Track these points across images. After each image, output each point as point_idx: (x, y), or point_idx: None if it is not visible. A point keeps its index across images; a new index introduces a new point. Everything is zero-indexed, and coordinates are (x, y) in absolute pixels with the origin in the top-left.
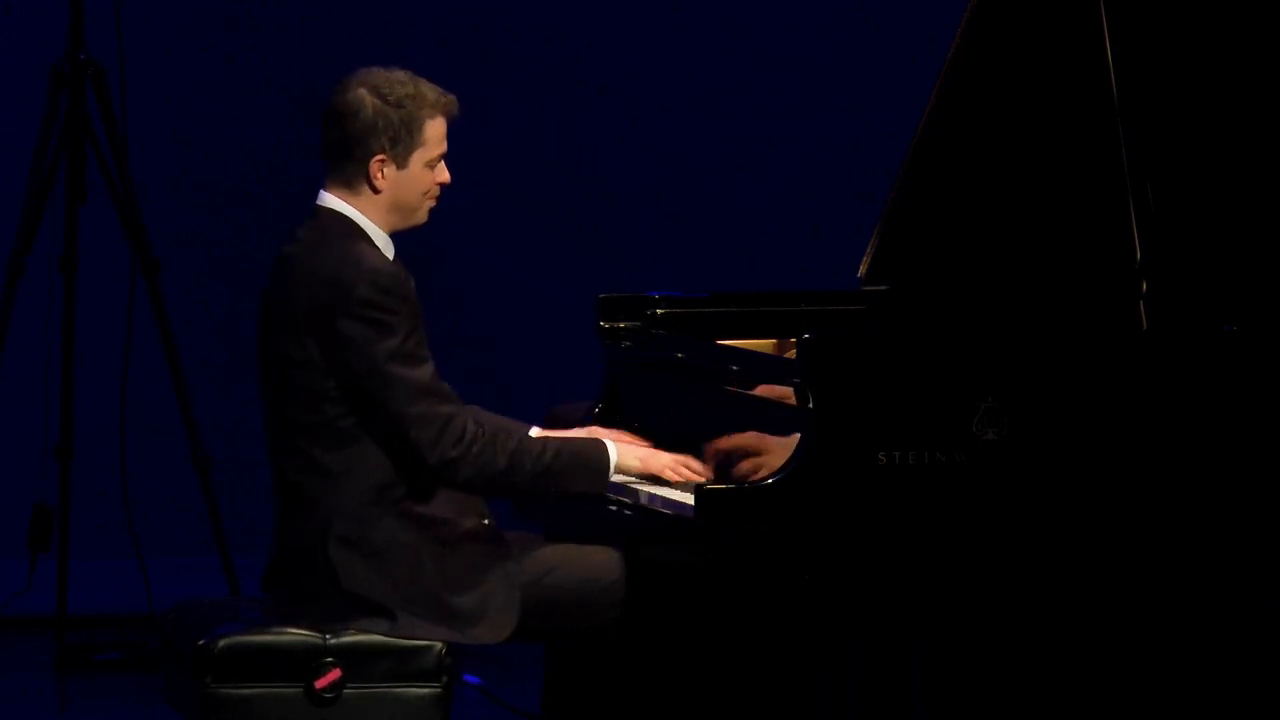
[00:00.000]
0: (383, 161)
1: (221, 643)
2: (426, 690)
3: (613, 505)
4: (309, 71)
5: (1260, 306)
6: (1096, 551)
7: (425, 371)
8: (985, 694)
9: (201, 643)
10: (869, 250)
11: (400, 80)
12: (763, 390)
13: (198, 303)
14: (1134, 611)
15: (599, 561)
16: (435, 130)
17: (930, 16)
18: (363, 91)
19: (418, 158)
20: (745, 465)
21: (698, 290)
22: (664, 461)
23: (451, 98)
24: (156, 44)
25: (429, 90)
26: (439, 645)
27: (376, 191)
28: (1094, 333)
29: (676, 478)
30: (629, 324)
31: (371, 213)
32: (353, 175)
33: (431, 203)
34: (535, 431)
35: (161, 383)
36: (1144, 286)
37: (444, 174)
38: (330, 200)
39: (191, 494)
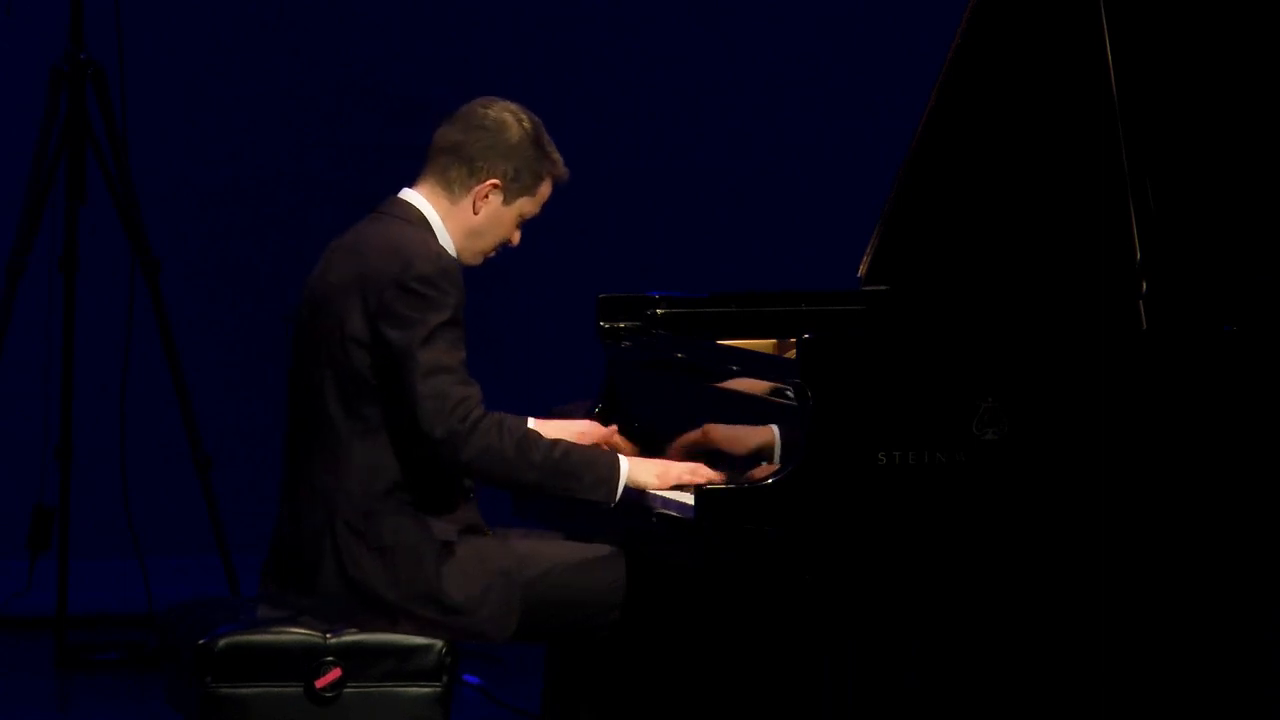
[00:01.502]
0: (496, 187)
1: (221, 643)
2: (426, 690)
3: (618, 507)
4: (309, 71)
5: (1260, 306)
6: (1097, 551)
7: (454, 357)
8: (985, 694)
9: (201, 643)
10: (869, 250)
11: (542, 126)
12: (762, 389)
13: (198, 303)
14: (1134, 611)
15: (600, 562)
16: (545, 190)
17: (930, 16)
18: (509, 117)
19: (520, 204)
20: (744, 464)
21: (698, 290)
22: (680, 473)
23: (568, 172)
24: (156, 44)
25: (556, 151)
26: (439, 645)
27: (475, 212)
28: (1094, 333)
29: (694, 483)
30: (629, 324)
31: (452, 225)
32: (459, 185)
33: (493, 254)
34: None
35: (161, 383)
36: (1144, 286)
37: (518, 236)
38: (412, 196)
39: (191, 494)
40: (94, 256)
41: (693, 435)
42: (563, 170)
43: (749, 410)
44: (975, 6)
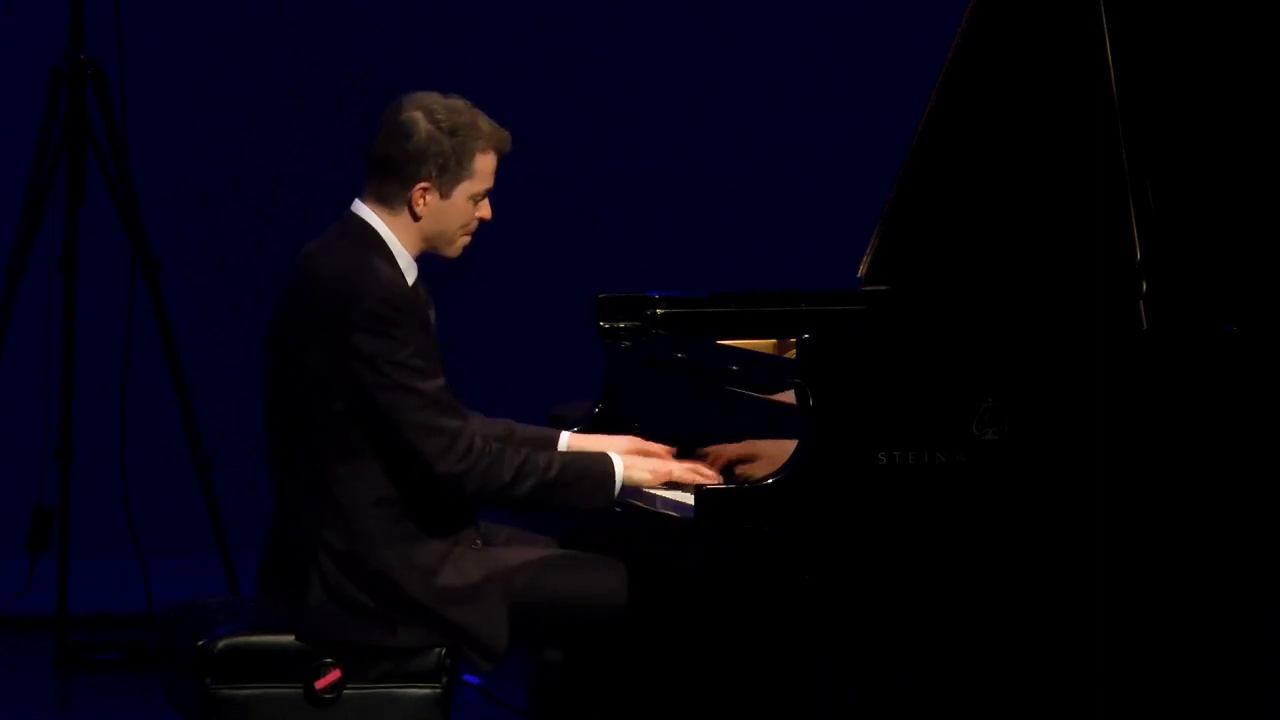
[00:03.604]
0: (426, 189)
1: (221, 643)
2: (426, 691)
3: (617, 507)
4: (309, 71)
5: (1260, 306)
6: (1097, 551)
7: (433, 385)
8: (985, 694)
9: (201, 643)
10: (869, 250)
11: (457, 109)
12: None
13: (198, 303)
14: (1134, 611)
15: (599, 570)
16: (485, 164)
17: (930, 16)
18: (418, 114)
19: (462, 190)
20: (746, 466)
21: (698, 290)
22: (675, 472)
23: (506, 134)
24: (156, 44)
25: (485, 123)
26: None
27: (416, 218)
28: (1094, 333)
29: (690, 481)
30: (629, 324)
31: (402, 234)
32: (393, 196)
33: (467, 238)
34: (564, 439)
35: (161, 383)
36: (1144, 286)
37: (486, 210)
38: (363, 210)
39: (191, 494)
40: (94, 256)
41: (727, 444)
42: (498, 137)
43: (750, 411)
44: (975, 6)
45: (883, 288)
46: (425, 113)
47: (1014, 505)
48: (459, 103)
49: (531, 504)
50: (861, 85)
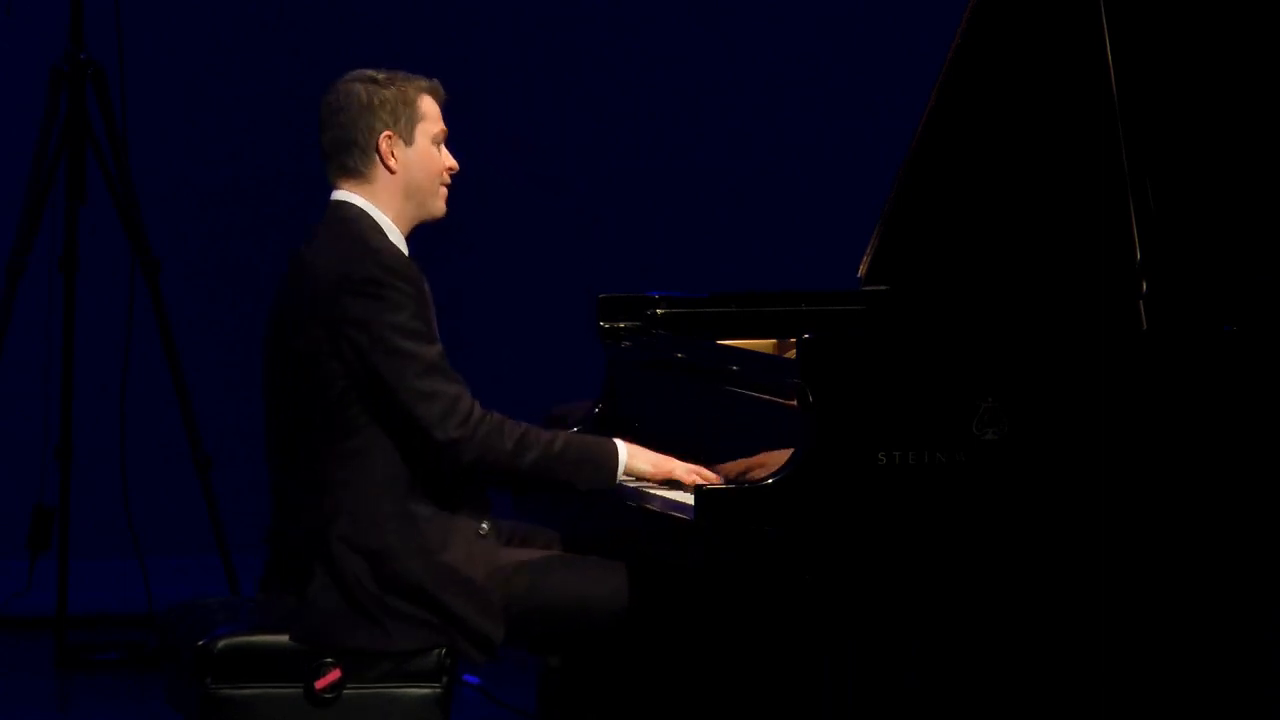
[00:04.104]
0: (390, 138)
1: (221, 643)
2: (426, 691)
3: (629, 500)
4: (309, 71)
5: (1260, 306)
6: (1097, 552)
7: (433, 350)
8: (985, 694)
9: (201, 643)
10: (869, 250)
11: (379, 69)
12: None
13: (198, 303)
14: (1134, 612)
15: (600, 579)
16: (429, 105)
17: (930, 16)
18: (350, 84)
19: (421, 132)
20: (746, 465)
21: (698, 290)
22: (677, 469)
23: (435, 81)
24: (156, 44)
25: (411, 77)
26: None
27: (391, 172)
28: (1093, 333)
29: (691, 481)
30: (629, 324)
31: (386, 204)
32: (362, 162)
33: (444, 189)
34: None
35: (161, 383)
36: (1144, 286)
37: (450, 158)
38: (341, 194)
39: (191, 494)
40: (94, 256)
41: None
42: (428, 84)
43: (750, 411)
44: (975, 6)
45: (883, 288)
46: (355, 80)
47: (1014, 505)
48: (383, 72)
49: (533, 479)
50: (861, 85)
